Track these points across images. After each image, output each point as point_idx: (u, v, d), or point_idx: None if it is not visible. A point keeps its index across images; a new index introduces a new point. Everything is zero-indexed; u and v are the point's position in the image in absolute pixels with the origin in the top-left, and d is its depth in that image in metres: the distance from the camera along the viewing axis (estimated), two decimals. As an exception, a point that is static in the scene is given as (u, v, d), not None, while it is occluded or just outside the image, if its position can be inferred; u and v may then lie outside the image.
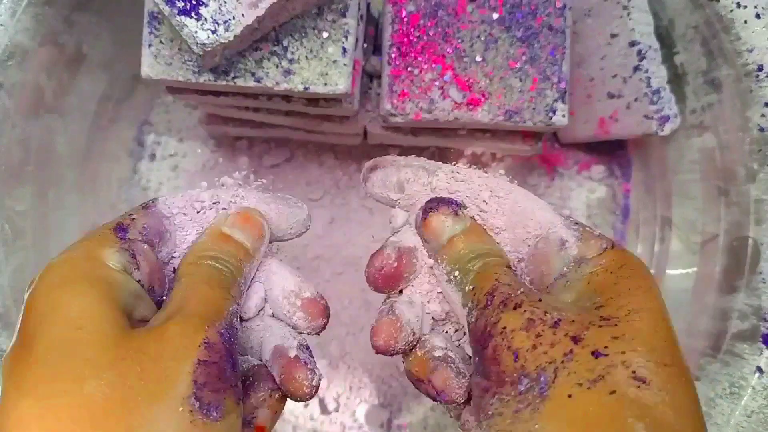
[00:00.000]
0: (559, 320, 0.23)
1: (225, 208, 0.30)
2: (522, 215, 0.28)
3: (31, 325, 0.22)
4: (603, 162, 0.54)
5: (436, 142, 0.47)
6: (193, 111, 0.53)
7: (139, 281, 0.26)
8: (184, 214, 0.30)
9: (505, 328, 0.24)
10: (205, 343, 0.23)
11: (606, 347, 0.22)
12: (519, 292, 0.25)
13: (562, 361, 0.22)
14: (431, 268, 0.29)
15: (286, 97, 0.41)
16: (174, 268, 0.29)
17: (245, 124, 0.48)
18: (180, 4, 0.33)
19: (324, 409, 0.50)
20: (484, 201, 0.29)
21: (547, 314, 0.23)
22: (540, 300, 0.24)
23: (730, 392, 0.40)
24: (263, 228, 0.30)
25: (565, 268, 0.27)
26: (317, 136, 0.48)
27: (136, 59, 0.50)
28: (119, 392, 0.21)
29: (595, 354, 0.22)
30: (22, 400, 0.21)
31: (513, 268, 0.28)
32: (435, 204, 0.29)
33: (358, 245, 0.52)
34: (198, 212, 0.30)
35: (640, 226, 0.52)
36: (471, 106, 0.41)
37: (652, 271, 0.49)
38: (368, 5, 0.44)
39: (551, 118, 0.41)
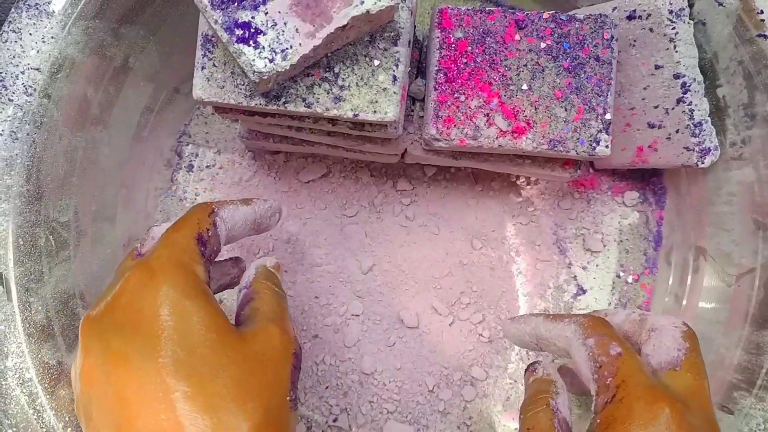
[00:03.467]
0: None
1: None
2: (577, 371, 0.33)
3: (155, 328, 0.27)
4: (637, 188, 0.54)
5: (474, 164, 0.47)
6: (232, 124, 0.54)
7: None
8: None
9: None
10: (294, 353, 0.31)
11: None
12: None
13: None
14: None
15: (333, 120, 0.41)
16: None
17: (284, 140, 0.48)
18: (239, 32, 0.34)
19: (353, 424, 0.50)
20: None
21: None
22: None
23: (765, 428, 0.41)
24: (281, 276, 0.39)
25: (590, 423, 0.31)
26: (354, 154, 0.49)
27: (178, 71, 0.51)
28: (244, 387, 0.27)
29: None
30: (164, 397, 0.25)
31: (553, 408, 0.33)
32: (528, 366, 0.38)
33: (393, 263, 0.52)
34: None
35: (672, 254, 0.53)
36: (516, 135, 0.41)
37: (683, 302, 0.50)
38: (414, 29, 0.45)
39: (595, 148, 0.41)
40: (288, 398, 0.29)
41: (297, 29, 0.34)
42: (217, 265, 0.41)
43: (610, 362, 0.30)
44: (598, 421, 0.29)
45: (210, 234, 0.32)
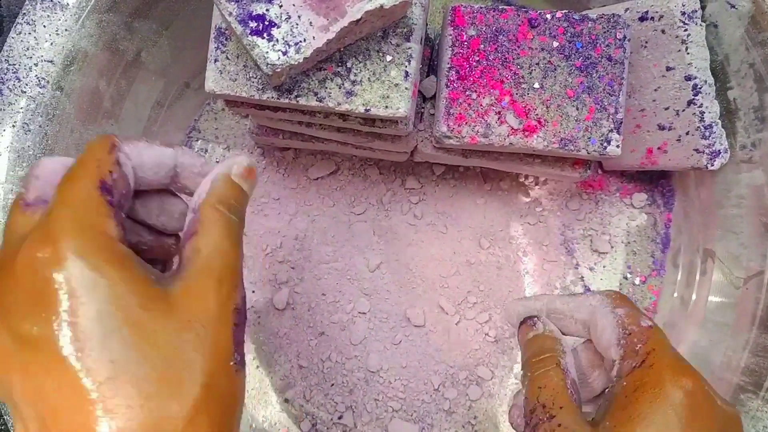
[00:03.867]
0: None
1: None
2: (597, 336, 0.33)
3: (65, 311, 0.23)
4: (645, 190, 0.54)
5: (484, 163, 0.47)
6: (242, 120, 0.54)
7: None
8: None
9: None
10: (236, 309, 0.26)
11: None
12: (546, 417, 0.29)
13: None
14: None
15: (343, 115, 0.41)
16: None
17: (294, 136, 0.48)
18: (253, 25, 0.34)
19: (357, 422, 0.50)
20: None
21: None
22: (560, 425, 0.28)
23: (771, 431, 0.40)
24: (255, 181, 0.31)
25: (607, 388, 0.31)
26: (364, 152, 0.49)
27: (189, 66, 0.51)
28: (174, 364, 0.24)
29: None
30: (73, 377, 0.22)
31: (564, 367, 0.32)
32: (523, 321, 0.36)
33: (400, 261, 0.52)
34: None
35: (680, 256, 0.52)
36: (527, 133, 0.41)
37: (691, 304, 0.50)
38: (426, 26, 0.45)
39: (605, 147, 0.41)
40: (231, 362, 0.25)
41: (311, 22, 0.34)
42: (142, 203, 0.32)
43: (641, 331, 0.30)
44: (624, 383, 0.29)
45: (115, 177, 0.27)
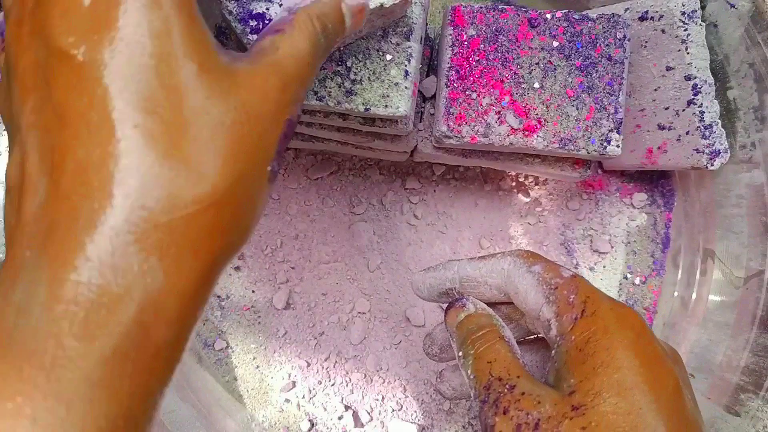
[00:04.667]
0: (539, 420, 0.26)
1: None
2: (521, 301, 0.32)
3: (114, 37, 0.20)
4: (645, 190, 0.54)
5: (484, 163, 0.47)
6: (241, 120, 0.54)
7: None
8: None
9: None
10: (289, 120, 0.25)
11: None
12: (506, 389, 0.28)
13: None
14: None
15: (343, 115, 0.41)
16: None
17: (294, 136, 0.48)
18: (253, 23, 0.34)
19: (357, 422, 0.50)
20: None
21: (529, 415, 0.26)
22: (523, 394, 0.27)
23: (772, 431, 0.40)
24: (362, 23, 0.30)
25: (553, 349, 0.29)
26: (364, 152, 0.49)
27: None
28: (218, 140, 0.22)
29: None
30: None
31: (507, 340, 0.31)
32: (450, 304, 0.35)
33: (400, 261, 0.52)
34: None
35: (680, 256, 0.52)
36: (527, 133, 0.41)
37: (691, 304, 0.50)
38: (426, 25, 0.45)
39: (605, 147, 0.41)
40: (268, 168, 0.24)
41: None
42: None
43: (567, 282, 0.29)
44: (573, 338, 0.27)
45: None
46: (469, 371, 0.30)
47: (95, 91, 0.20)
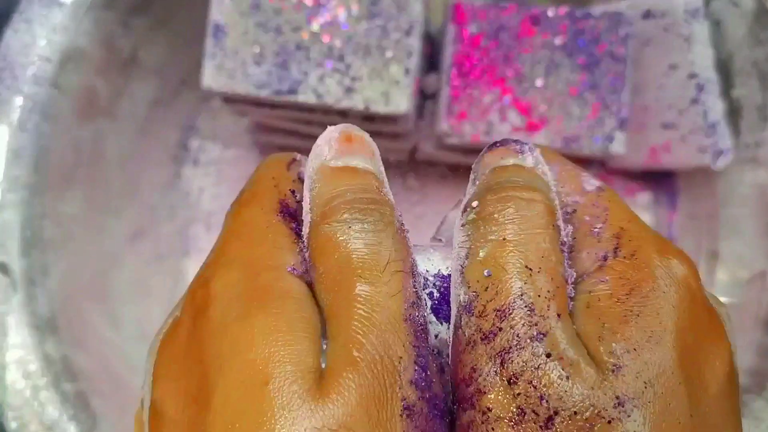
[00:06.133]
0: (556, 413, 0.15)
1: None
2: None
3: (202, 372, 0.16)
4: (649, 189, 0.53)
5: (485, 162, 0.47)
6: (240, 118, 0.53)
7: None
8: None
9: (489, 410, 0.16)
10: (406, 409, 0.16)
11: None
12: (533, 337, 0.16)
13: None
14: None
15: (343, 112, 0.40)
16: None
17: (293, 134, 0.47)
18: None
19: None
20: None
21: (544, 401, 0.16)
22: (549, 356, 0.16)
23: (777, 433, 0.40)
24: (371, 144, 0.21)
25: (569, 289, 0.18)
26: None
27: (186, 64, 0.50)
28: None
29: None
30: None
31: (559, 230, 0.18)
32: (499, 142, 0.21)
33: (400, 262, 0.52)
34: None
35: (683, 256, 0.52)
36: (529, 131, 0.41)
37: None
38: (427, 23, 0.44)
39: (609, 146, 0.41)
40: None
41: None
42: None
43: (591, 201, 0.19)
44: (608, 279, 0.17)
45: (298, 198, 0.19)
46: (476, 256, 0.18)
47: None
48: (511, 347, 0.16)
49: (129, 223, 0.49)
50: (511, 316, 0.16)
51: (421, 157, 0.48)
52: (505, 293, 0.17)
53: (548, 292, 0.17)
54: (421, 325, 0.17)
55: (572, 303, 0.18)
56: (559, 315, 0.17)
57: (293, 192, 0.19)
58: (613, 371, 0.16)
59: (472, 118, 0.41)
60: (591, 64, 0.41)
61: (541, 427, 0.15)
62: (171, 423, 0.16)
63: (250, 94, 0.37)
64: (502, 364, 0.16)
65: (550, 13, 0.41)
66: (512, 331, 0.16)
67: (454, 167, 0.53)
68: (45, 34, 0.41)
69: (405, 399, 0.15)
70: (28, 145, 0.40)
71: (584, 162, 0.45)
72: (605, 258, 0.18)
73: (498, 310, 0.16)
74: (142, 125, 0.49)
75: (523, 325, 0.16)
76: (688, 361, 0.17)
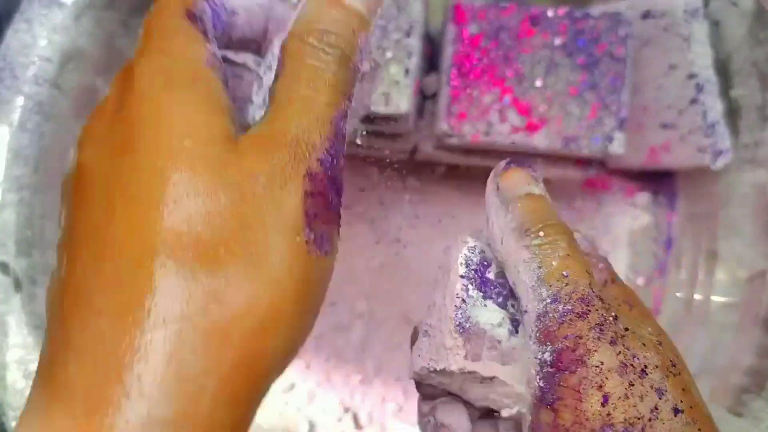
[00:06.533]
0: (646, 367, 0.21)
1: None
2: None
3: (128, 129, 0.20)
4: (648, 190, 0.53)
5: (485, 162, 0.47)
6: (240, 119, 0.53)
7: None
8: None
9: (602, 363, 0.21)
10: (308, 174, 0.20)
11: (681, 401, 0.21)
12: (611, 317, 0.22)
13: (650, 419, 0.20)
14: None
15: (343, 113, 0.41)
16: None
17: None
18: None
19: (357, 424, 0.50)
20: None
21: (636, 358, 0.21)
22: (627, 330, 0.22)
23: (776, 432, 0.40)
24: (375, 6, 0.24)
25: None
26: (364, 150, 0.48)
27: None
28: (234, 219, 0.19)
29: (675, 411, 0.21)
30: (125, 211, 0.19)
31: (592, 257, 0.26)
32: (517, 161, 0.27)
33: (400, 262, 0.52)
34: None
35: (683, 256, 0.52)
36: (529, 131, 0.41)
37: (694, 305, 0.49)
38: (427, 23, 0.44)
39: (608, 146, 0.41)
40: (297, 238, 0.20)
41: None
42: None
43: (594, 253, 0.27)
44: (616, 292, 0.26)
45: (200, 7, 0.23)
46: (551, 266, 0.23)
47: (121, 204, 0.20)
48: (602, 322, 0.22)
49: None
50: (592, 303, 0.22)
51: (421, 157, 0.48)
52: (582, 286, 0.22)
53: (602, 282, 0.25)
54: (342, 133, 0.22)
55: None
56: (620, 303, 0.24)
57: (194, 2, 0.23)
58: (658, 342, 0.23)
59: (471, 118, 0.41)
60: (590, 64, 0.41)
61: (638, 375, 0.21)
62: (93, 175, 0.20)
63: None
64: (600, 331, 0.21)
65: (550, 13, 0.41)
66: (597, 312, 0.22)
67: (454, 167, 0.53)
68: (45, 34, 0.41)
69: (310, 168, 0.20)
70: (28, 145, 0.41)
71: (584, 162, 0.45)
72: (605, 282, 0.26)
73: (581, 298, 0.22)
74: (143, 125, 0.50)
75: (602, 307, 0.22)
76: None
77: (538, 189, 0.25)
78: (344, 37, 0.22)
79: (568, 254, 0.23)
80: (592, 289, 0.22)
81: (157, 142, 0.19)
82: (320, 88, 0.21)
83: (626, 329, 0.22)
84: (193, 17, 0.22)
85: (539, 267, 0.23)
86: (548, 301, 0.22)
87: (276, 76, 0.22)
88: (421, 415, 0.29)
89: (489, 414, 0.27)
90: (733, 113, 0.46)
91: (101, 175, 0.20)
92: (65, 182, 0.22)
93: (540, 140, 0.41)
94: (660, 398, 0.21)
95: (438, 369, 0.25)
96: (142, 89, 0.20)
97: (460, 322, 0.25)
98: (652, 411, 0.20)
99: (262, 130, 0.21)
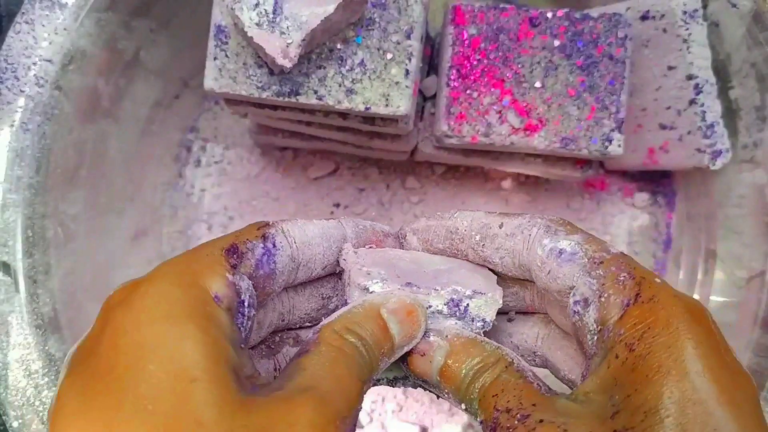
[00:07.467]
0: None
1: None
2: (547, 273, 0.25)
3: (123, 357, 0.19)
4: (647, 190, 0.53)
5: (484, 163, 0.47)
6: (241, 119, 0.54)
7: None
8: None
9: None
10: None
11: None
12: (517, 421, 0.21)
13: None
14: None
15: (343, 114, 0.41)
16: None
17: (294, 135, 0.48)
18: (253, 22, 0.34)
19: (357, 425, 0.50)
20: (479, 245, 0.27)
21: None
22: (541, 422, 0.21)
23: (775, 432, 0.40)
24: (420, 330, 0.25)
25: (591, 344, 0.23)
26: (364, 151, 0.48)
27: (188, 66, 0.50)
28: None
29: None
30: None
31: (516, 366, 0.24)
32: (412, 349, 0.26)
33: (399, 262, 0.52)
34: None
35: (682, 256, 0.52)
36: (528, 132, 0.41)
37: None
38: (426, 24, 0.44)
39: (607, 147, 0.41)
40: None
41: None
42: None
43: (616, 258, 0.23)
44: (622, 331, 0.21)
45: (249, 246, 0.23)
46: (478, 418, 0.24)
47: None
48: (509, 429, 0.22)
49: (131, 223, 0.49)
50: (499, 423, 0.22)
51: (421, 157, 0.48)
52: (487, 421, 0.23)
53: (515, 397, 0.23)
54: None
55: (592, 358, 0.23)
56: (534, 403, 0.22)
57: (247, 240, 0.24)
58: (612, 414, 0.21)
59: (471, 119, 0.41)
60: (589, 66, 0.41)
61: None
62: (70, 415, 0.19)
63: (251, 96, 0.38)
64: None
65: (549, 14, 0.41)
66: (503, 426, 0.22)
67: (454, 167, 0.53)
68: (47, 35, 0.41)
69: None
70: (30, 145, 0.41)
71: (583, 163, 0.45)
72: (627, 305, 0.22)
73: (491, 427, 0.23)
74: (144, 126, 0.50)
75: (507, 419, 0.22)
76: (707, 393, 0.19)
77: (438, 350, 0.25)
78: (375, 353, 0.23)
79: (479, 401, 0.24)
80: (495, 408, 0.23)
81: (160, 380, 0.19)
82: (350, 373, 0.22)
83: (540, 421, 0.21)
84: (233, 253, 0.23)
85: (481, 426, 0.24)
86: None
87: (300, 353, 0.22)
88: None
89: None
90: (731, 114, 0.46)
91: (70, 407, 0.20)
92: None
93: (539, 141, 0.41)
94: None
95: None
96: (142, 310, 0.20)
97: None
98: None
99: (282, 393, 0.20)
